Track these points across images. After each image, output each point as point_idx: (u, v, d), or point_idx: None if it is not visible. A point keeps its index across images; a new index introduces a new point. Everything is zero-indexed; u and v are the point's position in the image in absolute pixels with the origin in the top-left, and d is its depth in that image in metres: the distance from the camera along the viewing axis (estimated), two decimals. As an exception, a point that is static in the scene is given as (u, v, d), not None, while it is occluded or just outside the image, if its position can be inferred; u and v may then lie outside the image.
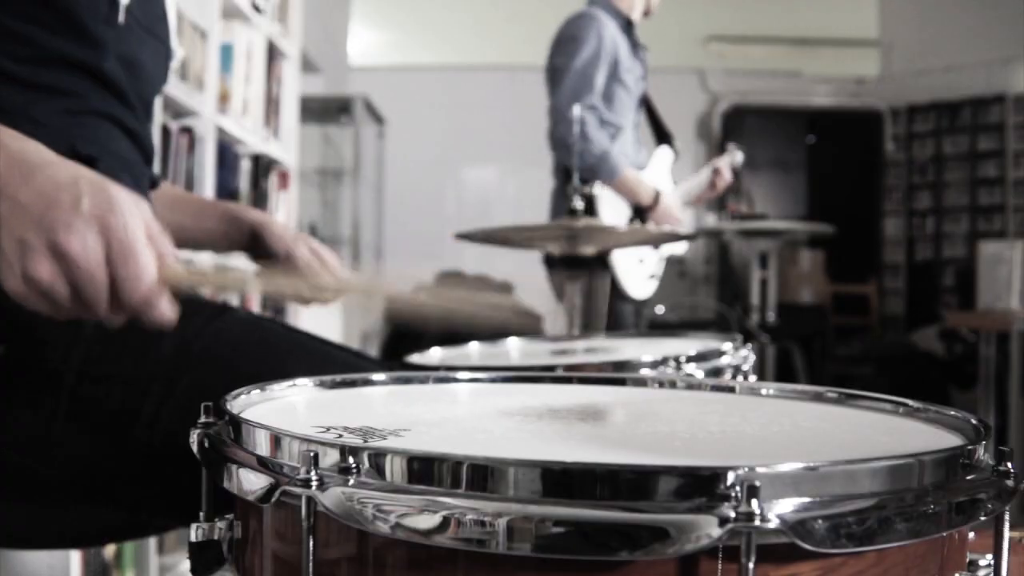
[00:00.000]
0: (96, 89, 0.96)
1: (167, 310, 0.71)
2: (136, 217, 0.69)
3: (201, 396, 0.64)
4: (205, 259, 2.60)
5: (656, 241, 2.42)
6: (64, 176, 0.69)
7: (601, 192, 2.71)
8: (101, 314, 0.70)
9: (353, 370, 0.84)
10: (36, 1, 0.91)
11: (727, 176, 3.05)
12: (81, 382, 0.87)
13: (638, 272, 2.71)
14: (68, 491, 0.89)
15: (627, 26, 2.83)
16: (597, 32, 2.71)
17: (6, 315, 0.85)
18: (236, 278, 0.70)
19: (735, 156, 3.12)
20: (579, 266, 1.81)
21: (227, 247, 1.31)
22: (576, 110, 2.59)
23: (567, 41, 2.74)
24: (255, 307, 2.98)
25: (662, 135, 3.00)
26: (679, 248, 2.95)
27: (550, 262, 2.81)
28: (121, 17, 0.97)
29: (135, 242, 0.68)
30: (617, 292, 2.64)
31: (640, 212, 2.71)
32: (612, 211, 2.65)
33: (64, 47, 0.93)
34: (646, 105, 2.98)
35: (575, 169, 2.64)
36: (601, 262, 1.74)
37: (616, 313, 2.66)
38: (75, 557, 1.75)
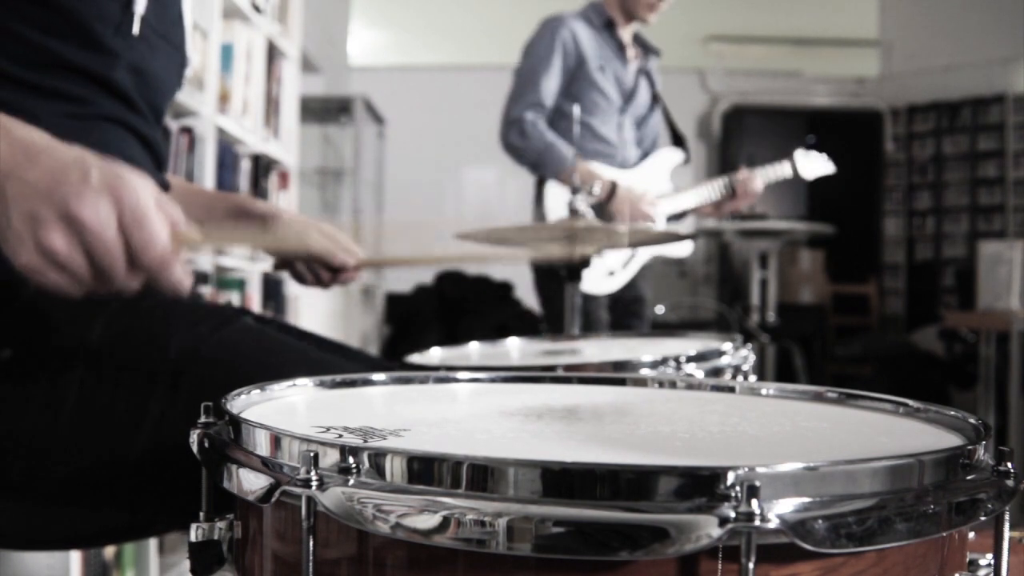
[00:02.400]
0: (105, 96, 0.96)
1: (182, 273, 0.72)
2: (145, 186, 0.70)
3: (206, 401, 0.64)
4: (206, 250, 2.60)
5: (656, 241, 2.41)
6: (69, 156, 0.70)
7: (550, 186, 2.68)
8: (118, 280, 0.70)
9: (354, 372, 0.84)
10: (47, 9, 0.90)
11: (758, 189, 2.81)
12: (87, 384, 0.87)
13: (594, 268, 2.65)
14: (71, 492, 0.89)
15: (608, 26, 2.82)
16: (551, 34, 2.76)
17: (12, 317, 0.85)
18: (245, 236, 0.72)
19: (780, 170, 2.87)
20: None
21: None
22: (516, 110, 2.65)
23: (525, 46, 2.83)
24: (255, 305, 2.98)
25: (675, 138, 2.96)
26: (679, 251, 2.85)
27: (535, 264, 2.79)
28: (135, 28, 0.96)
29: (146, 207, 0.69)
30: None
31: (597, 206, 2.64)
32: (562, 205, 2.56)
33: (73, 55, 0.92)
34: (661, 108, 2.96)
35: (527, 167, 2.67)
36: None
37: (585, 311, 2.62)
38: (75, 557, 1.75)
